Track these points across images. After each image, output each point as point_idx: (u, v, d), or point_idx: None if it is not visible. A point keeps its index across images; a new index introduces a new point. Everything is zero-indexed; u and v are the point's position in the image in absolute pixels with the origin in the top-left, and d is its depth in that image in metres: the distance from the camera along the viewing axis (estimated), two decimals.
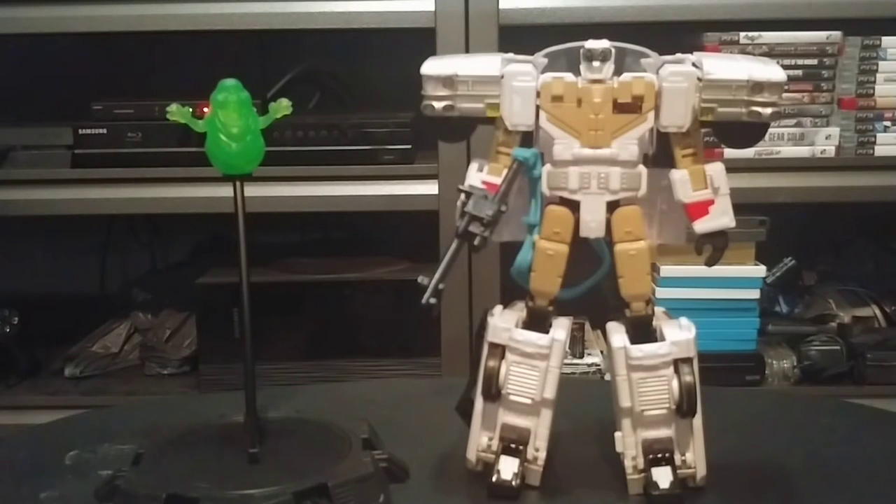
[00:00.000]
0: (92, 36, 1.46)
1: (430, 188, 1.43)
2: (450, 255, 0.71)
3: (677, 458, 0.74)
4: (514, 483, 0.74)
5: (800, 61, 1.46)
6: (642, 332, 0.74)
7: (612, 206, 0.73)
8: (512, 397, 0.74)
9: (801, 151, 1.46)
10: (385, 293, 1.50)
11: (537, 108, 0.73)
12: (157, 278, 1.82)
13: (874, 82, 1.47)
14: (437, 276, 0.70)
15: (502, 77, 0.73)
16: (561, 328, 0.74)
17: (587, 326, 1.52)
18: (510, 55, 0.76)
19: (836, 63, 1.47)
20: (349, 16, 1.42)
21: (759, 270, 1.47)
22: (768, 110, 0.71)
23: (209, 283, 1.49)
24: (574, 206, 0.73)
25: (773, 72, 0.71)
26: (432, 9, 1.40)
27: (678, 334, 0.73)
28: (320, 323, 1.51)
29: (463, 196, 0.72)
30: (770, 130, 0.78)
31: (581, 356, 1.48)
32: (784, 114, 1.44)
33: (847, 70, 1.47)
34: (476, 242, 0.71)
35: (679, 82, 0.72)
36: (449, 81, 0.74)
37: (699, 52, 0.75)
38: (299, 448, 0.79)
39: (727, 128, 0.74)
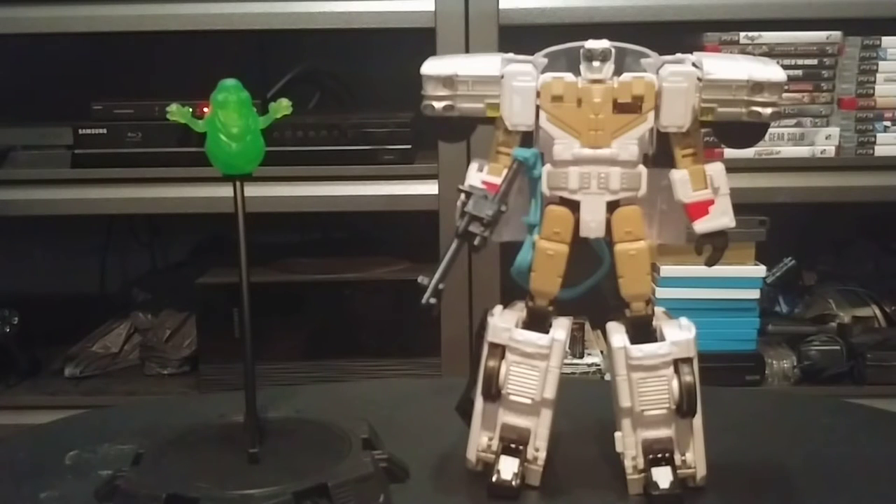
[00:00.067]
0: (92, 36, 1.46)
1: (430, 188, 1.43)
2: (450, 255, 0.71)
3: (677, 458, 0.74)
4: (514, 483, 0.74)
5: (800, 61, 1.46)
6: (642, 332, 0.74)
7: (612, 206, 0.73)
8: (512, 397, 0.74)
9: (801, 151, 1.46)
10: (385, 293, 1.50)
11: (537, 108, 0.73)
12: (157, 278, 1.83)
13: (874, 82, 1.47)
14: (437, 276, 0.70)
15: (502, 77, 0.73)
16: (561, 328, 0.74)
17: (587, 326, 1.52)
18: (510, 55, 0.76)
19: (836, 63, 1.47)
20: (349, 16, 1.42)
21: (759, 270, 1.47)
22: (768, 110, 0.71)
23: (209, 283, 1.49)
24: (574, 206, 0.73)
25: (773, 72, 0.71)
26: (432, 9, 1.40)
27: (678, 334, 0.73)
28: (320, 323, 1.51)
29: (463, 196, 0.72)
30: (770, 130, 0.78)
31: (581, 356, 1.48)
32: (784, 114, 1.44)
33: (847, 70, 1.47)
34: (476, 242, 0.71)
35: (679, 82, 0.72)
36: (449, 81, 0.74)
37: (699, 52, 0.75)
38: (299, 448, 0.79)
39: (727, 128, 0.74)
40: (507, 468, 0.74)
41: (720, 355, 1.45)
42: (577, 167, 0.72)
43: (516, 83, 0.73)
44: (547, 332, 0.74)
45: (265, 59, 1.70)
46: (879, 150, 1.48)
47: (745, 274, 1.46)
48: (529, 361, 0.73)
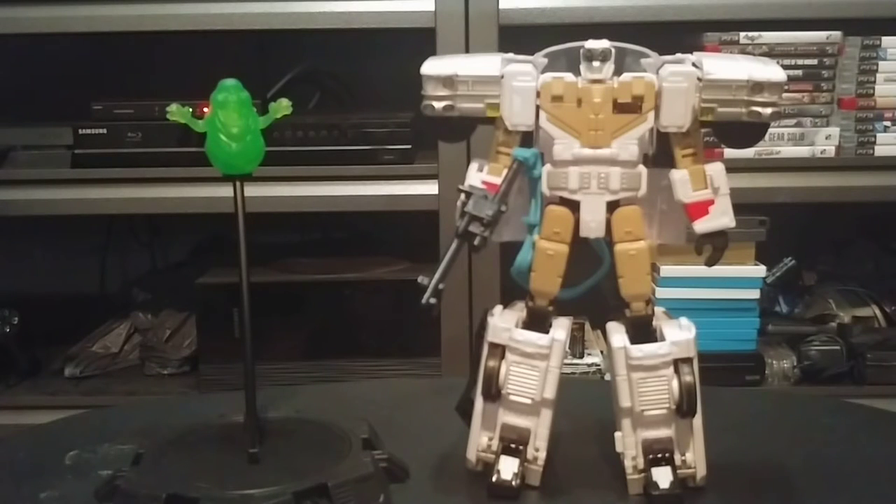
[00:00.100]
0: (92, 36, 1.46)
1: (430, 188, 1.43)
2: (450, 255, 0.71)
3: (677, 458, 0.74)
4: (514, 483, 0.74)
5: (800, 61, 1.46)
6: (642, 332, 0.74)
7: (612, 206, 0.73)
8: (512, 397, 0.74)
9: (801, 151, 1.46)
10: (385, 293, 1.50)
11: (537, 108, 0.73)
12: (157, 278, 1.83)
13: (874, 82, 1.47)
14: (437, 276, 0.70)
15: (502, 77, 0.73)
16: (561, 328, 0.74)
17: (587, 326, 1.52)
18: (510, 55, 0.76)
19: (836, 63, 1.47)
20: (349, 16, 1.42)
21: (759, 270, 1.47)
22: (768, 110, 0.71)
23: (209, 283, 1.49)
24: (574, 206, 0.73)
25: (773, 72, 0.72)
26: (432, 9, 1.40)
27: (678, 334, 0.73)
28: (320, 323, 1.51)
29: (463, 196, 0.72)
30: (770, 130, 0.78)
31: (581, 356, 1.48)
32: (784, 114, 1.44)
33: (847, 70, 1.47)
34: (476, 242, 0.71)
35: (679, 82, 0.72)
36: (449, 81, 0.74)
37: (699, 52, 0.75)
38: (299, 448, 0.79)
39: (727, 128, 0.74)
40: (507, 468, 0.74)
41: (720, 355, 1.45)
42: (577, 167, 0.72)
43: (516, 83, 0.73)
44: (547, 332, 0.74)
45: (265, 59, 1.70)
46: (879, 150, 1.48)
47: (745, 274, 1.46)
48: (529, 361, 0.73)
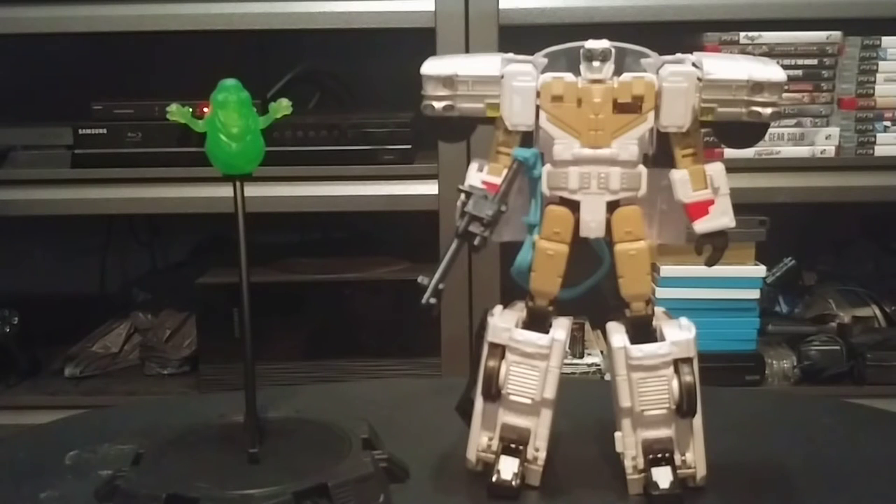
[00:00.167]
0: (92, 36, 1.46)
1: (430, 188, 1.43)
2: (450, 255, 0.71)
3: (677, 458, 0.74)
4: (514, 483, 0.74)
5: (800, 61, 1.46)
6: (642, 332, 0.74)
7: (612, 206, 0.73)
8: (512, 397, 0.74)
9: (801, 151, 1.46)
10: (385, 293, 1.50)
11: (537, 108, 0.73)
12: (157, 278, 1.83)
13: (874, 82, 1.47)
14: (437, 276, 0.70)
15: (502, 77, 0.73)
16: (561, 328, 0.74)
17: (587, 326, 1.52)
18: (510, 55, 0.75)
19: (836, 63, 1.47)
20: (349, 16, 1.42)
21: (759, 270, 1.47)
22: (768, 110, 0.71)
23: (209, 283, 1.49)
24: (574, 206, 0.73)
25: (773, 72, 0.71)
26: (432, 9, 1.40)
27: (678, 334, 0.73)
28: (320, 323, 1.51)
29: (463, 196, 0.72)
30: (770, 130, 0.78)
31: (581, 356, 1.48)
32: (784, 114, 1.44)
33: (847, 70, 1.47)
34: (476, 242, 0.71)
35: (679, 82, 0.72)
36: (449, 81, 0.74)
37: (699, 52, 0.75)
38: (299, 448, 0.79)
39: (727, 128, 0.74)
40: (507, 468, 0.74)
41: (720, 355, 1.45)
42: (577, 167, 0.72)
43: (516, 83, 0.73)
44: (547, 332, 0.74)
45: (265, 59, 1.70)
46: (879, 150, 1.48)
47: (745, 274, 1.46)
48: (529, 361, 0.73)
